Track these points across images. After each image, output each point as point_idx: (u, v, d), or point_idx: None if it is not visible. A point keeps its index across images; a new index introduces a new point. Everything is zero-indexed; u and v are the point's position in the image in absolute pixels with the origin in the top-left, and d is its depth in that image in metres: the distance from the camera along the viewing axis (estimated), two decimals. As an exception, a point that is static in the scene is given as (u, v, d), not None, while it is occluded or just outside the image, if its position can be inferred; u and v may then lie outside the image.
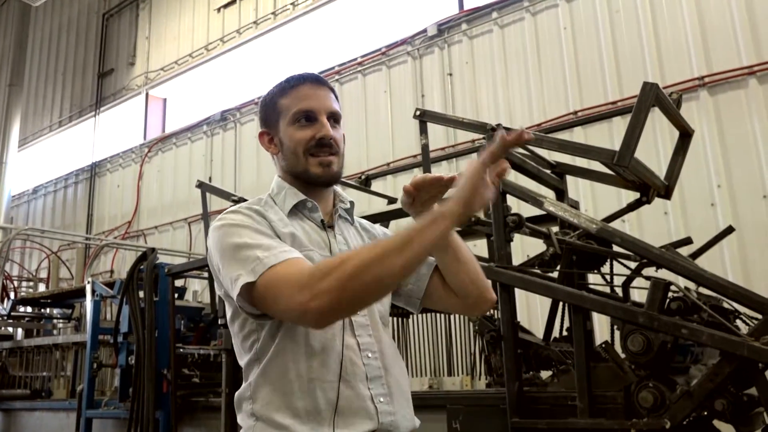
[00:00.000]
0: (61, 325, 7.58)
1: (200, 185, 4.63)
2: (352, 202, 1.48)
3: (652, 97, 2.69)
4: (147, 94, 11.09)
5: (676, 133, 3.22)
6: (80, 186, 11.88)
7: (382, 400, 1.28)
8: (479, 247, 5.24)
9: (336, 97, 1.45)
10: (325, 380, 1.24)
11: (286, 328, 1.28)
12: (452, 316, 3.88)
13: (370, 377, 1.29)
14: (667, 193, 3.12)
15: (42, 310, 7.49)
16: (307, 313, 1.12)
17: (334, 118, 1.41)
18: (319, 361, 1.25)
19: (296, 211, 1.39)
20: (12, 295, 7.96)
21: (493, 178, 1.17)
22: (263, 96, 1.50)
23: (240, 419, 1.31)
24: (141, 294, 4.77)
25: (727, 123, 5.28)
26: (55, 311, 7.53)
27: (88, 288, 5.53)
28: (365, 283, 1.10)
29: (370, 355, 1.31)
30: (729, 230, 3.25)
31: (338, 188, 1.49)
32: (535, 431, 2.60)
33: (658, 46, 5.75)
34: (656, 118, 4.87)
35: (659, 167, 4.45)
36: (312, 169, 1.38)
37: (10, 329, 7.31)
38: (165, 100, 11.25)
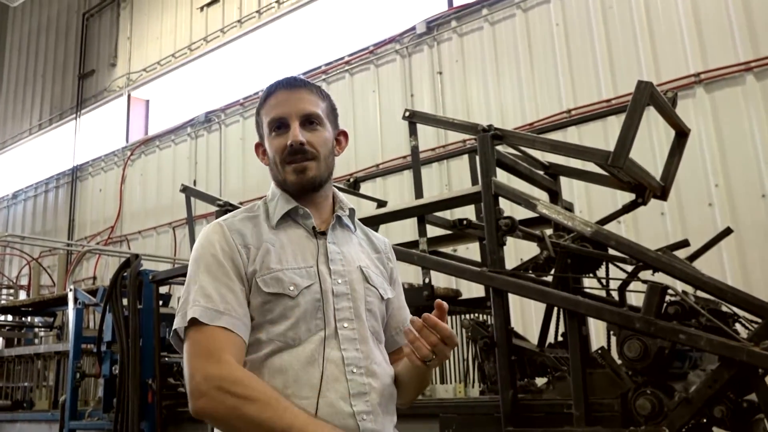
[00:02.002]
0: (42, 334, 7.49)
1: (184, 189, 4.58)
2: (352, 209, 1.46)
3: (646, 96, 2.68)
4: (129, 96, 11.02)
5: (672, 132, 3.22)
6: (61, 190, 11.78)
7: (365, 417, 1.26)
8: (471, 250, 5.23)
9: (322, 96, 1.44)
10: (302, 396, 1.23)
11: (263, 342, 1.28)
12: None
13: (353, 393, 1.26)
14: (663, 193, 3.11)
15: (23, 319, 7.41)
16: (192, 401, 1.21)
17: (310, 119, 1.39)
18: (297, 376, 1.25)
19: (288, 217, 1.39)
20: (-9, 303, 7.88)
21: None
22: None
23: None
24: (124, 302, 4.72)
25: (724, 121, 5.30)
26: (37, 320, 7.45)
27: (70, 296, 5.46)
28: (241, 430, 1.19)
29: (355, 370, 1.28)
30: (727, 232, 3.24)
31: (340, 194, 1.48)
32: (530, 440, 2.58)
33: (653, 42, 5.76)
34: (651, 117, 4.87)
35: (655, 167, 4.44)
36: (288, 177, 1.38)
37: (-10, 339, 7.23)
38: (148, 101, 11.18)
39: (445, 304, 1.27)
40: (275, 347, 1.27)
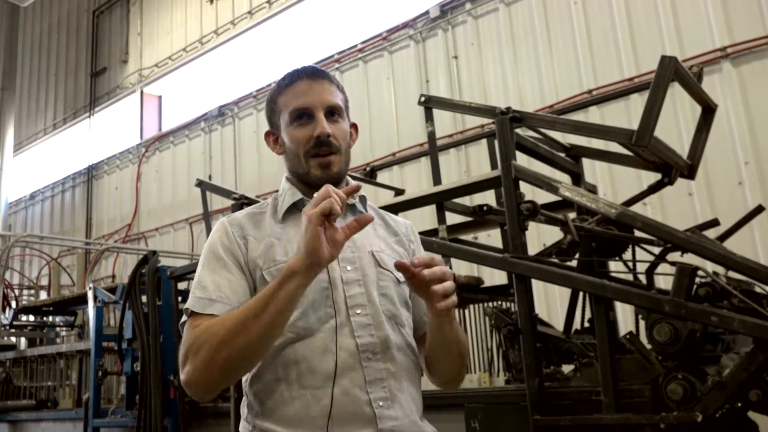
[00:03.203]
0: (64, 333, 7.63)
1: (200, 184, 4.61)
2: (362, 197, 1.45)
3: (670, 71, 2.63)
4: (142, 92, 11.12)
5: (698, 109, 3.16)
6: (78, 190, 11.95)
7: (381, 404, 1.26)
8: (493, 237, 5.20)
9: (340, 88, 1.44)
10: (317, 385, 1.25)
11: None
12: (467, 311, 3.85)
13: (368, 380, 1.26)
14: (690, 172, 3.05)
15: (44, 319, 7.55)
16: (188, 389, 1.24)
17: (333, 111, 1.39)
18: (311, 366, 1.26)
19: (295, 210, 1.40)
20: (13, 304, 8.02)
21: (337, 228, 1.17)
22: (268, 94, 1.51)
23: (240, 426, 1.35)
24: (144, 299, 4.77)
25: (753, 95, 5.18)
26: (58, 319, 7.59)
27: (90, 294, 5.54)
28: (228, 358, 1.18)
29: (370, 356, 1.28)
30: (759, 210, 3.18)
31: (352, 182, 1.47)
32: (558, 429, 2.56)
33: (676, 16, 5.64)
34: (676, 94, 4.78)
35: (681, 146, 4.38)
36: (312, 171, 1.38)
37: (13, 339, 7.37)
38: (160, 97, 11.27)
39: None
40: (287, 339, 1.28)
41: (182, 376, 1.23)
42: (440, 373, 1.46)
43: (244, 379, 1.36)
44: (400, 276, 1.40)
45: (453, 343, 1.39)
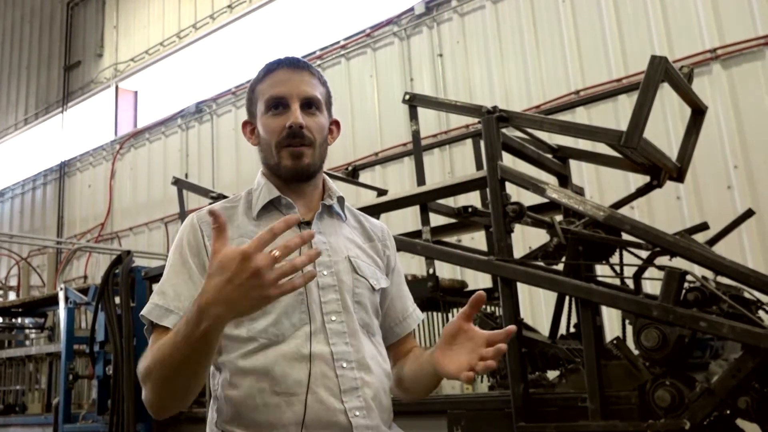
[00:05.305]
0: (33, 336, 7.51)
1: (176, 182, 4.57)
2: (340, 198, 1.44)
3: (660, 72, 2.64)
4: (117, 87, 11.00)
5: (688, 111, 3.17)
6: (49, 187, 11.78)
7: (357, 413, 1.25)
8: (477, 240, 5.19)
9: (321, 81, 1.43)
10: (290, 393, 1.23)
11: (245, 340, 1.28)
12: (450, 315, 3.82)
13: (343, 389, 1.25)
14: (679, 175, 3.07)
15: (13, 320, 7.43)
16: (147, 407, 1.24)
17: (310, 103, 1.38)
18: (284, 373, 1.24)
19: (272, 207, 1.38)
20: (-20, 305, 7.88)
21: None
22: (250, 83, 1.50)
23: (207, 430, 1.33)
24: (117, 300, 4.72)
25: (743, 98, 5.23)
26: (27, 321, 7.48)
27: (61, 295, 5.47)
28: (173, 391, 1.18)
29: (344, 365, 1.27)
30: (748, 214, 3.20)
31: (330, 182, 1.46)
32: (543, 436, 2.55)
33: (666, 16, 5.68)
34: (665, 95, 4.82)
35: (670, 148, 4.40)
36: (283, 161, 1.36)
37: (-20, 341, 7.24)
38: (136, 92, 11.16)
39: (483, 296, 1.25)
40: (258, 344, 1.27)
41: (143, 393, 1.22)
42: (411, 395, 1.45)
43: (213, 382, 1.34)
44: (375, 283, 1.40)
45: (440, 379, 1.38)
